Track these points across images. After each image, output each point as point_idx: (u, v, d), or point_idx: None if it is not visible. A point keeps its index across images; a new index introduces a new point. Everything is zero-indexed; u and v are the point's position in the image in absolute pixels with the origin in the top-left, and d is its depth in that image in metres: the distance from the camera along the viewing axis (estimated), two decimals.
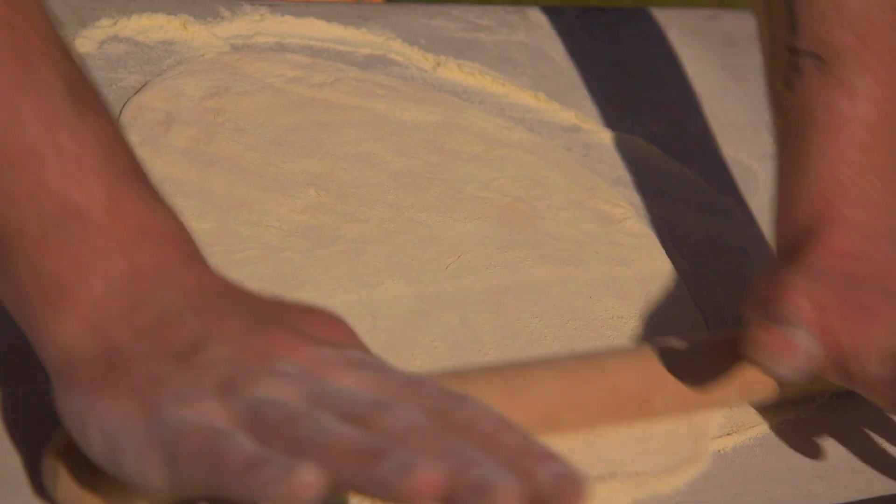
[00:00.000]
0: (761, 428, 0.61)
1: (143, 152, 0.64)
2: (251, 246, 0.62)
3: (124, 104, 0.67)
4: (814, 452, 0.62)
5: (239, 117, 0.69)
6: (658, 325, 0.65)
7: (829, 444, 0.62)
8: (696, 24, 0.90)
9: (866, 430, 0.64)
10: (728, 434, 0.60)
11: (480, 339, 0.61)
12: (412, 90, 0.76)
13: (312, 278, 0.61)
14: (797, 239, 0.63)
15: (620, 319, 0.65)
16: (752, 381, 0.60)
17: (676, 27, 0.89)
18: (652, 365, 0.59)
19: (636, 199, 0.73)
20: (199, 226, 0.63)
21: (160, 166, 0.64)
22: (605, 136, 0.77)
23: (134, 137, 0.65)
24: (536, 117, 0.77)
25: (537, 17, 0.86)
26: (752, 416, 0.62)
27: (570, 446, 0.55)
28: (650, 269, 0.68)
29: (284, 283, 0.60)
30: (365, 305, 0.60)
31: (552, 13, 0.86)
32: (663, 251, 0.70)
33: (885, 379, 0.58)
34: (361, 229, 0.65)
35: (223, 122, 0.68)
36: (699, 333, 0.65)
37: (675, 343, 0.60)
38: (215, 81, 0.71)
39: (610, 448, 0.57)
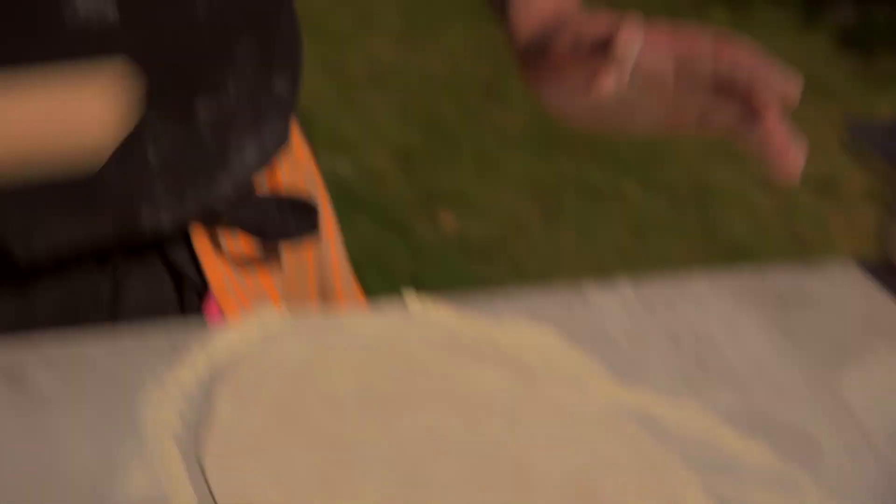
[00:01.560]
0: None
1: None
2: None
3: None
4: None
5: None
6: None
7: None
8: (748, 286, 0.91)
9: None
10: None
11: None
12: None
13: None
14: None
15: None
16: None
17: (728, 291, 0.91)
18: None
19: (704, 475, 0.74)
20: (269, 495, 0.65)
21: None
22: (672, 413, 0.78)
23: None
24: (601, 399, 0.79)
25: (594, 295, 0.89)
26: None
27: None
28: None
29: None
30: None
31: (608, 289, 0.89)
32: None
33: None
34: None
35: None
36: None
37: None
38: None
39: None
